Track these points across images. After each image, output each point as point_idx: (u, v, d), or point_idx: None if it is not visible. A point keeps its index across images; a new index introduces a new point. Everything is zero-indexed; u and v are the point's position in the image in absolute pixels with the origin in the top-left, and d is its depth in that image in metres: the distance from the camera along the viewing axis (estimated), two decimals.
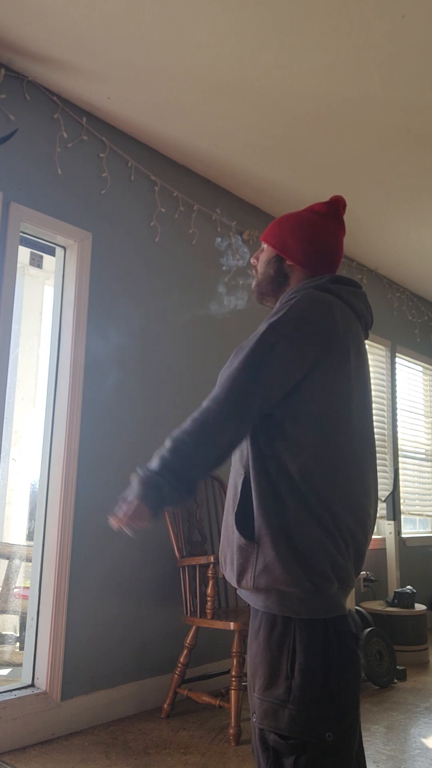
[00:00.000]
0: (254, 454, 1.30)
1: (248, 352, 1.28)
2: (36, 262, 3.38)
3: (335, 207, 1.53)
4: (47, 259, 3.28)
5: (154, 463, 1.24)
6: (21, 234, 2.74)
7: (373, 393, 4.76)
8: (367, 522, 1.34)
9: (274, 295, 1.51)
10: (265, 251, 1.53)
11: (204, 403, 1.27)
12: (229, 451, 1.28)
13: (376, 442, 4.71)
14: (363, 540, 1.32)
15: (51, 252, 2.97)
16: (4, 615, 3.60)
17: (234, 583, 1.32)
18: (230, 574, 1.33)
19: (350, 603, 3.61)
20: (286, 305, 1.34)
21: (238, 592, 1.38)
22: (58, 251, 2.94)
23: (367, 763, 2.38)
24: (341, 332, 1.34)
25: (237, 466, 1.38)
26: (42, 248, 2.96)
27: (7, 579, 3.62)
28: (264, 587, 1.25)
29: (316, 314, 1.32)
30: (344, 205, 1.55)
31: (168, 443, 1.25)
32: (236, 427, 1.25)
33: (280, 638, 1.24)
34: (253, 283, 1.55)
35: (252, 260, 1.56)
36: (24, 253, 3.22)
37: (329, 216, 1.52)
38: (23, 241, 2.80)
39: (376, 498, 1.39)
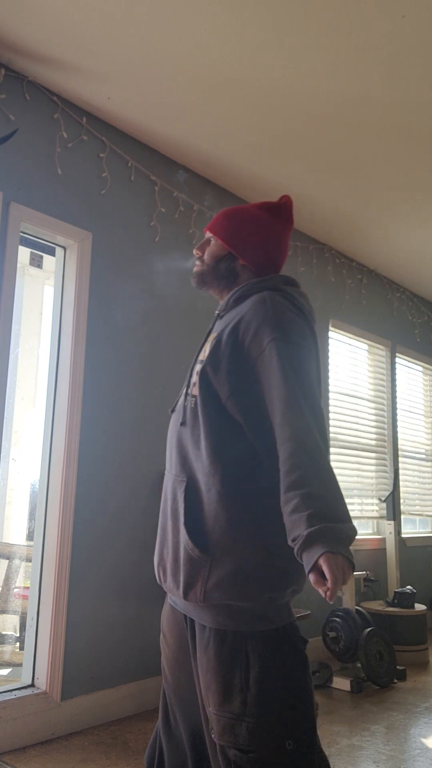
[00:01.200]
0: (217, 464, 1.25)
1: (286, 376, 1.22)
2: (36, 262, 3.38)
3: (286, 208, 1.51)
4: (47, 259, 3.28)
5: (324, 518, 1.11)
6: (21, 234, 2.74)
7: (373, 393, 4.81)
8: None
9: (217, 288, 1.49)
10: (214, 245, 1.48)
11: (297, 446, 1.17)
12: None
13: (376, 443, 4.73)
14: None
15: (51, 252, 2.97)
16: (4, 615, 3.59)
17: (178, 596, 1.27)
18: (172, 586, 1.28)
19: (350, 603, 3.61)
20: (262, 312, 1.30)
21: (177, 600, 1.32)
22: (58, 251, 2.94)
23: (367, 763, 2.38)
24: (315, 334, 1.38)
25: (176, 472, 1.33)
26: (42, 248, 2.96)
27: (7, 579, 3.62)
28: (215, 603, 1.21)
29: (299, 318, 1.33)
30: (292, 205, 1.53)
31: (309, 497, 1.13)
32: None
33: (232, 653, 1.21)
34: (195, 270, 1.50)
35: (196, 251, 1.51)
36: (24, 253, 3.22)
37: (280, 217, 1.50)
38: (23, 241, 2.80)
39: None
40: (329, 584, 1.04)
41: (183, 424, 1.35)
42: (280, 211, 1.50)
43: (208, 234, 1.50)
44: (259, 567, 1.21)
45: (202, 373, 1.31)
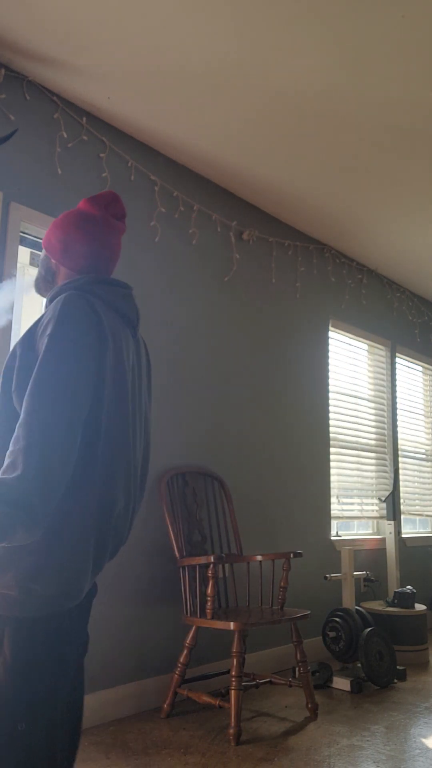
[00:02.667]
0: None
1: (42, 370, 1.26)
2: (36, 262, 3.38)
3: (103, 203, 1.49)
4: None
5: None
6: (21, 234, 2.74)
7: (373, 393, 4.81)
8: (116, 527, 1.39)
9: (47, 291, 1.54)
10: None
11: (28, 441, 1.22)
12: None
13: (375, 443, 4.72)
14: (105, 550, 1.37)
15: None
16: None
17: None
18: None
19: (350, 603, 3.61)
20: (52, 311, 1.34)
21: None
22: None
23: (367, 764, 2.38)
24: (106, 334, 1.36)
25: None
26: (42, 248, 2.95)
27: None
28: None
29: (84, 317, 1.33)
30: (113, 200, 1.51)
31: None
32: (72, 448, 1.26)
33: None
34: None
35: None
36: (24, 253, 3.22)
37: (94, 214, 1.49)
38: (23, 241, 2.80)
39: (132, 503, 1.44)
40: None
41: None
42: (92, 206, 1.49)
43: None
44: (33, 561, 1.26)
45: (5, 370, 1.37)
